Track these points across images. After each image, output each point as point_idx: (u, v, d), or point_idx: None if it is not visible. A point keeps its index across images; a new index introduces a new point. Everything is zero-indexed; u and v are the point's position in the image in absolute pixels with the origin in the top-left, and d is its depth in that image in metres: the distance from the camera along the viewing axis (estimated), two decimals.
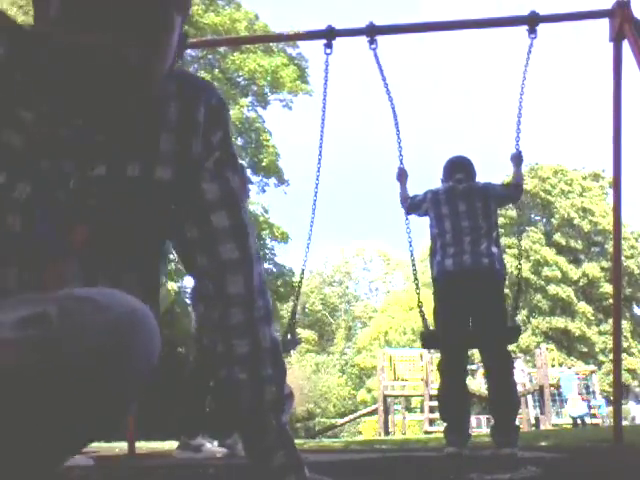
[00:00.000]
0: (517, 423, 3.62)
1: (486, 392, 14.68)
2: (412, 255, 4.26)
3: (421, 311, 4.06)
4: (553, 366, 19.96)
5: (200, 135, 0.93)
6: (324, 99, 4.23)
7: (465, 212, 3.71)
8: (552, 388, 15.90)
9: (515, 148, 4.03)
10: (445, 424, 3.67)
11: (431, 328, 3.95)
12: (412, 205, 4.02)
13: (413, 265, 4.29)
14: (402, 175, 4.18)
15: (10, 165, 0.80)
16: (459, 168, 3.90)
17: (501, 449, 3.35)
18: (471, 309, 3.65)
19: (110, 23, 0.74)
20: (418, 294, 4.15)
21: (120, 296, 0.69)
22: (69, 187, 0.83)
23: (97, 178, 0.85)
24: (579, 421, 14.44)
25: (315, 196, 4.23)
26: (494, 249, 3.70)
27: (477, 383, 17.08)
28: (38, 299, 0.68)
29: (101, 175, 0.85)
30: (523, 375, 17.09)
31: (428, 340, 4.04)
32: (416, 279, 4.23)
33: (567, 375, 15.93)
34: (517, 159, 4.02)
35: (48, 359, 0.61)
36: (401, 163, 4.20)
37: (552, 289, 27.06)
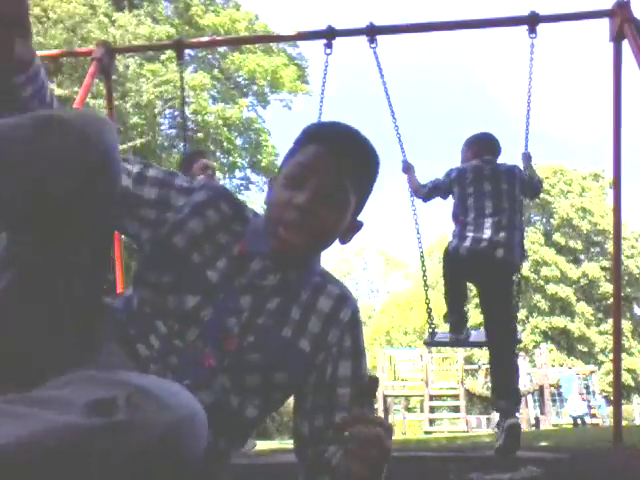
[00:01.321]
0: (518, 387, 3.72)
1: (487, 392, 14.85)
2: (421, 250, 4.30)
3: (428, 308, 4.12)
4: (553, 366, 19.95)
5: (340, 329, 1.17)
6: (321, 100, 4.25)
7: (490, 192, 3.66)
8: (552, 388, 15.89)
9: (525, 148, 4.08)
10: (449, 311, 3.89)
11: (437, 331, 4.19)
12: (433, 189, 3.95)
13: (422, 260, 4.33)
14: (408, 168, 4.20)
15: (204, 294, 1.07)
16: (487, 148, 3.85)
17: (505, 420, 3.38)
18: (479, 291, 3.85)
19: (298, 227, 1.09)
20: (426, 291, 4.19)
21: (183, 396, 0.77)
22: (242, 319, 1.08)
23: (261, 325, 1.09)
24: (579, 421, 14.43)
25: None
26: (515, 237, 3.64)
27: (478, 383, 17.08)
28: (108, 382, 0.74)
29: (264, 324, 1.10)
30: (524, 375, 17.11)
31: (430, 344, 4.35)
32: (425, 276, 4.27)
33: (567, 375, 15.90)
34: (527, 159, 4.06)
35: (110, 446, 0.67)
36: (404, 156, 4.24)
37: (551, 289, 27.04)
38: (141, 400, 0.71)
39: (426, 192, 3.99)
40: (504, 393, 3.50)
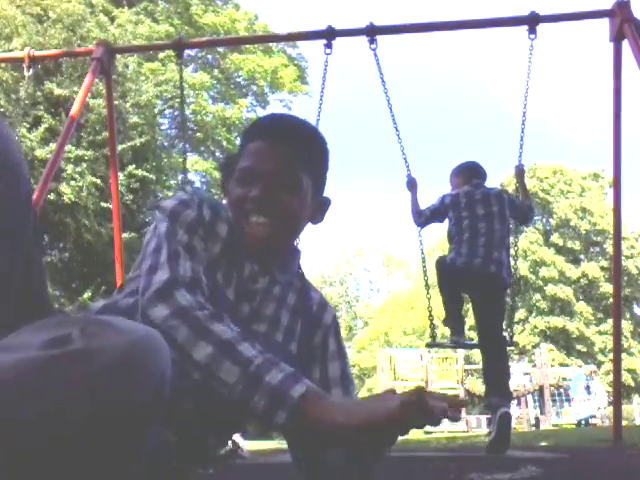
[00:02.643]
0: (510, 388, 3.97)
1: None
2: (423, 254, 4.34)
3: (430, 315, 4.19)
4: (553, 365, 19.93)
5: (324, 333, 1.25)
6: (321, 99, 4.25)
7: (483, 215, 3.90)
8: (552, 388, 15.88)
9: (518, 160, 4.18)
10: (448, 319, 4.07)
11: (436, 340, 4.39)
12: (430, 216, 4.13)
13: (424, 267, 4.36)
14: (412, 184, 4.23)
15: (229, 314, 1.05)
16: (475, 173, 4.11)
17: (497, 410, 3.52)
18: (472, 300, 3.99)
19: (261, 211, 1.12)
20: (429, 298, 4.24)
21: (134, 323, 0.78)
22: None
23: (256, 332, 1.13)
24: (583, 422, 14.33)
25: None
26: (504, 257, 3.89)
27: (477, 383, 17.07)
28: (63, 322, 0.75)
29: (260, 331, 1.15)
30: (521, 375, 17.11)
31: (432, 345, 4.47)
32: (427, 285, 4.31)
33: (577, 375, 15.72)
34: (520, 172, 4.20)
35: (70, 373, 0.67)
36: (408, 171, 4.23)
37: (551, 289, 27.02)
38: (95, 329, 0.71)
39: (424, 220, 4.16)
40: (496, 391, 3.65)
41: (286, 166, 1.15)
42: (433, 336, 4.32)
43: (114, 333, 0.71)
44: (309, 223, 1.24)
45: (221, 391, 0.90)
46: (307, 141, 1.20)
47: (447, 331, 4.28)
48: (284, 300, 1.20)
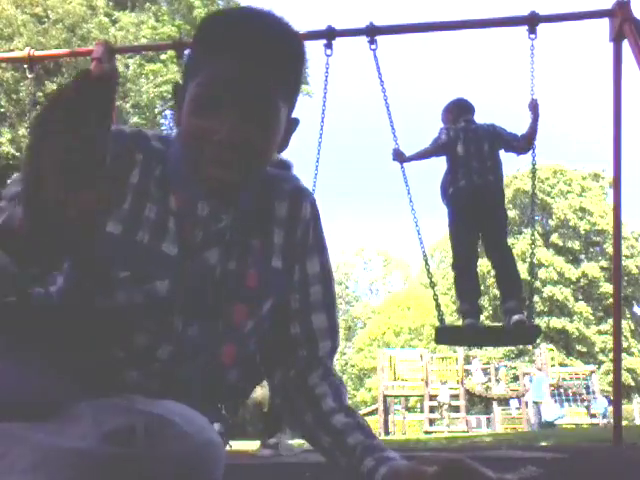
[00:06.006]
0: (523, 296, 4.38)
1: (484, 391, 15.05)
2: (423, 248, 4.39)
3: (437, 305, 4.21)
4: (553, 366, 19.93)
5: (303, 228, 1.05)
6: (324, 104, 4.24)
7: (474, 153, 4.17)
8: (552, 388, 15.87)
9: (530, 96, 4.23)
10: (460, 301, 4.26)
11: (446, 324, 4.33)
12: (440, 147, 4.30)
13: (425, 260, 4.40)
14: (398, 154, 4.33)
15: (172, 273, 0.92)
16: (465, 110, 4.38)
17: (512, 317, 3.91)
18: (482, 217, 4.20)
19: (229, 114, 0.86)
20: (433, 287, 4.30)
21: (199, 423, 0.76)
22: (215, 276, 0.95)
23: (233, 271, 0.97)
24: (546, 423, 13.84)
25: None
26: (499, 177, 4.23)
27: (475, 382, 17.08)
28: (125, 409, 0.72)
29: (232, 269, 0.97)
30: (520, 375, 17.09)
31: (442, 335, 4.35)
32: (429, 274, 4.36)
33: (538, 378, 15.18)
34: (534, 109, 4.24)
35: (125, 476, 0.67)
36: (396, 144, 4.31)
37: (550, 289, 27.02)
38: (159, 429, 0.70)
39: (435, 150, 4.32)
40: (511, 295, 4.05)
41: (263, 94, 0.88)
42: (441, 319, 4.22)
43: (177, 438, 0.71)
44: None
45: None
46: (289, 54, 0.91)
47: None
48: (252, 226, 0.99)
